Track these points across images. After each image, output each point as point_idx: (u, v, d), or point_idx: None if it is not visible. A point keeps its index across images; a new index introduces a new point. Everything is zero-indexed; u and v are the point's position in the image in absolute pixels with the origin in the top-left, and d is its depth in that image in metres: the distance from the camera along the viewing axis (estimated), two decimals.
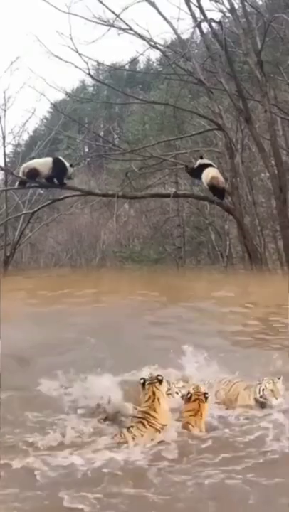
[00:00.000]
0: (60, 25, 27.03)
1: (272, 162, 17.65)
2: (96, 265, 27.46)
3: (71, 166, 15.20)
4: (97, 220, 29.48)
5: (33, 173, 14.72)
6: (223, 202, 16.03)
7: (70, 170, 15.00)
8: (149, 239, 28.49)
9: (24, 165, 15.33)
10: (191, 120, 23.44)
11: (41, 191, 21.35)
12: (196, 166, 15.81)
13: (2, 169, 20.56)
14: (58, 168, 14.73)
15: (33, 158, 23.04)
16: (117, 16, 17.15)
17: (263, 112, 18.12)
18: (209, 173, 15.28)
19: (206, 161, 16.08)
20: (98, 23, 17.34)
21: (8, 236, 20.76)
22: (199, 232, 27.60)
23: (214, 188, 15.35)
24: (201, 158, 16.03)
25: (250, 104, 18.25)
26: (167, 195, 19.24)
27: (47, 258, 29.52)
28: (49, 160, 15.23)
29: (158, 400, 4.69)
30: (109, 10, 17.30)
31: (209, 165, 15.78)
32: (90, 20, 17.34)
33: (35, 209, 18.42)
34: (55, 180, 14.99)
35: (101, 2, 17.24)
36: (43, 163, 14.98)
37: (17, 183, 16.11)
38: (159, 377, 4.85)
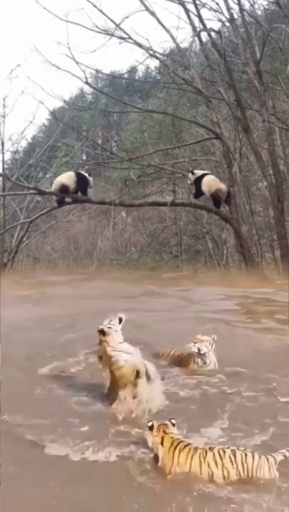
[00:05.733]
0: (61, 34, 27.19)
1: (270, 171, 17.67)
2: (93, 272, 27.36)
3: (89, 175, 15.56)
4: (94, 228, 29.43)
5: (63, 189, 15.10)
6: (221, 211, 15.95)
7: (91, 179, 15.40)
8: (146, 247, 28.44)
9: (54, 183, 15.68)
10: (190, 129, 23.47)
11: (38, 198, 21.33)
12: (192, 182, 15.49)
13: (1, 175, 20.56)
14: (82, 182, 15.13)
15: (32, 165, 23.22)
16: (117, 26, 17.24)
17: (261, 122, 18.17)
18: (212, 185, 15.11)
19: (199, 172, 15.85)
20: (99, 33, 17.44)
21: (5, 243, 20.69)
22: (196, 240, 27.56)
23: (217, 199, 15.21)
24: (192, 173, 15.53)
25: (248, 113, 18.31)
26: (164, 204, 19.21)
27: (44, 265, 29.40)
28: (72, 174, 15.60)
29: None
30: (110, 20, 17.40)
31: (206, 174, 15.63)
32: (91, 30, 17.44)
33: (33, 217, 18.38)
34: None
35: (101, 12, 17.33)
36: (68, 177, 15.35)
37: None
38: None
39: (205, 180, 15.18)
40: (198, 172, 15.72)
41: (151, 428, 4.42)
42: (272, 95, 19.91)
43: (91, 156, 26.99)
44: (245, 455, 4.11)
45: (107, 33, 17.41)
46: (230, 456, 4.10)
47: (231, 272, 19.56)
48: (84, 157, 34.98)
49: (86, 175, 15.51)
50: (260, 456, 4.11)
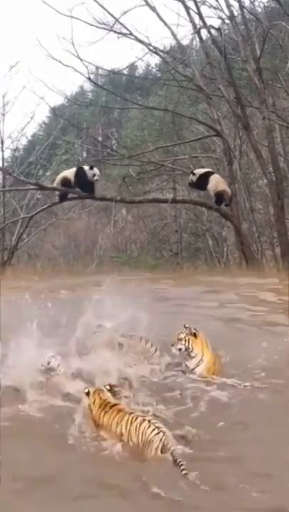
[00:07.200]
0: (61, 29, 27.09)
1: (270, 169, 17.67)
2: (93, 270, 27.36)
3: (91, 168, 15.11)
4: (94, 225, 29.47)
5: (64, 182, 15.17)
6: (221, 208, 15.93)
7: (93, 172, 14.95)
8: (147, 244, 28.45)
9: (57, 178, 15.77)
10: (190, 126, 23.43)
11: (39, 196, 21.33)
12: (195, 179, 15.41)
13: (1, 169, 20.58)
14: (79, 176, 14.99)
15: (32, 162, 23.21)
16: (117, 20, 17.20)
17: (261, 119, 18.17)
18: (219, 185, 15.03)
19: (201, 170, 15.82)
20: (98, 27, 17.39)
21: (5, 241, 20.70)
22: (196, 238, 27.56)
23: (220, 199, 15.16)
24: (193, 173, 15.47)
25: (248, 110, 18.31)
26: (165, 201, 19.23)
27: (44, 263, 29.42)
28: (74, 169, 15.50)
29: None
30: (109, 13, 17.36)
31: (211, 172, 15.58)
32: (91, 24, 17.40)
33: (33, 213, 18.40)
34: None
35: (101, 6, 17.30)
36: (71, 172, 15.32)
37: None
38: None
39: (212, 178, 15.08)
40: (200, 170, 15.69)
41: (87, 394, 4.91)
42: (272, 93, 19.87)
43: (91, 154, 27.03)
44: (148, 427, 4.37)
45: (106, 27, 17.38)
46: (136, 426, 4.40)
47: None
48: (84, 154, 35.00)
49: (86, 168, 15.21)
50: (158, 433, 4.30)
